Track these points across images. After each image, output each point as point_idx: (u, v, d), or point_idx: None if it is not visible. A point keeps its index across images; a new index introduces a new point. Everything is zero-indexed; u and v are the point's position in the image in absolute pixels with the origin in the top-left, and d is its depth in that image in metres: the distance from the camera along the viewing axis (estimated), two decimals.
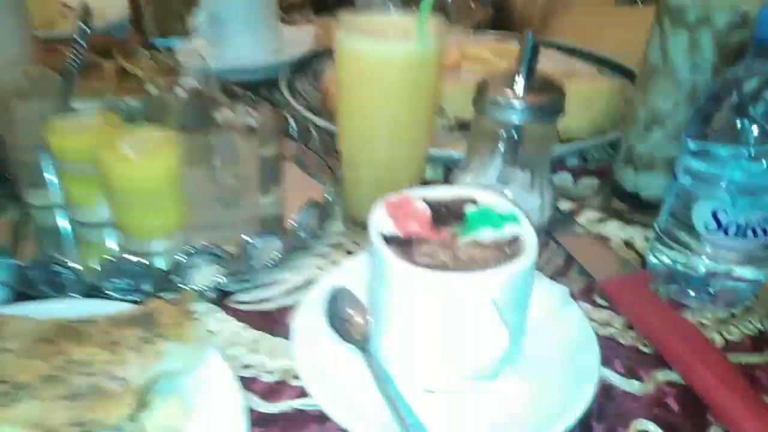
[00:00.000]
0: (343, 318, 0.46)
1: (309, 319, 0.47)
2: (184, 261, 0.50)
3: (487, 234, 0.41)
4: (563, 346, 0.44)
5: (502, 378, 0.41)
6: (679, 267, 0.52)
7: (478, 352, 0.36)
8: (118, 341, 0.40)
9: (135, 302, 0.47)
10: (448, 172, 0.73)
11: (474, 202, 0.44)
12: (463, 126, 0.81)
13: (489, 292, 0.37)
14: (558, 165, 0.72)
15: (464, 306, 0.36)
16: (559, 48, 0.92)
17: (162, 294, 0.51)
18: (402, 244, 0.40)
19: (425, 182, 0.69)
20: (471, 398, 0.41)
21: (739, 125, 0.46)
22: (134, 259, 0.50)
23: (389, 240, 0.40)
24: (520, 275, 0.38)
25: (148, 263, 0.50)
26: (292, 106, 0.82)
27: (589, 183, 0.70)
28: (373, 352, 0.43)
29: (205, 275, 0.52)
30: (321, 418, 0.42)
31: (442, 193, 0.45)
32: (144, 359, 0.39)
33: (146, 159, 0.50)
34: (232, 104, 0.61)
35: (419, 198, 0.44)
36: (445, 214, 0.43)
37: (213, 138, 0.54)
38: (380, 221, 0.41)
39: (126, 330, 0.41)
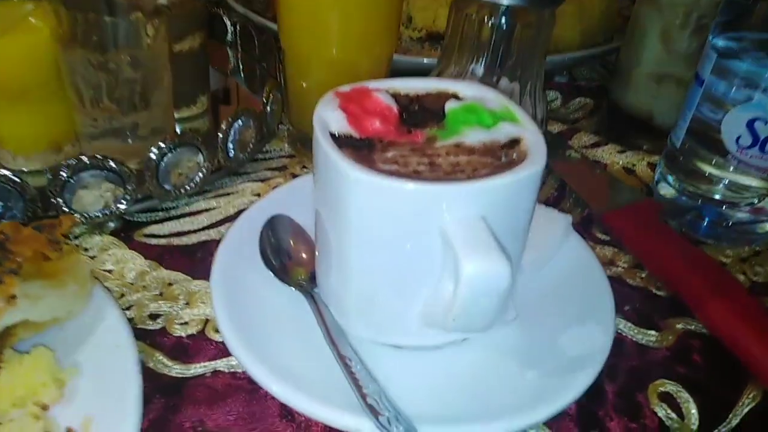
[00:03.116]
0: (281, 253, 0.35)
1: (236, 254, 0.35)
2: (65, 177, 0.37)
3: (475, 135, 0.30)
4: (566, 286, 0.35)
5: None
6: (694, 195, 0.43)
7: (466, 295, 0.26)
8: None
9: None
10: None
11: (456, 96, 0.33)
12: (434, 38, 0.69)
13: (478, 209, 0.26)
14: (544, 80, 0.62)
15: (446, 227, 0.26)
16: None
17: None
18: (359, 148, 0.29)
19: None
20: (451, 356, 0.31)
21: None
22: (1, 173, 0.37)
23: (341, 141, 0.29)
24: (522, 188, 0.27)
25: (19, 180, 0.37)
26: (228, 4, 0.67)
27: (581, 104, 0.60)
28: (320, 296, 0.33)
29: (101, 199, 0.39)
30: (250, 385, 0.31)
31: (414, 85, 0.34)
32: None
33: (4, 38, 0.36)
34: None
35: (383, 91, 0.33)
36: (419, 112, 0.32)
37: (105, 16, 0.40)
38: (329, 117, 0.30)
39: None
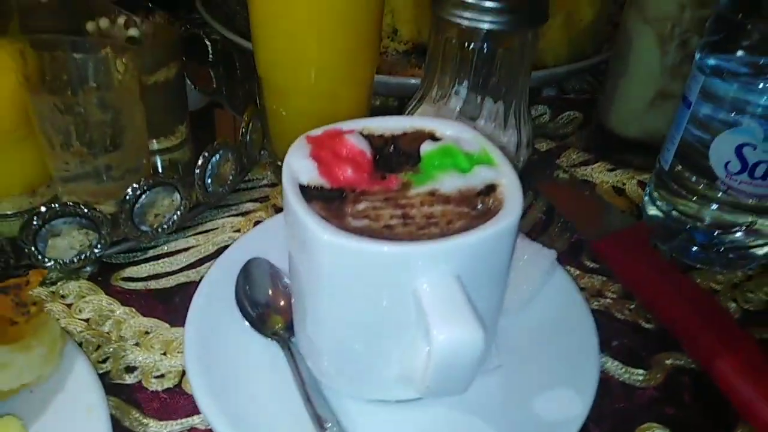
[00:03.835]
0: (258, 301, 0.34)
1: (212, 303, 0.34)
2: (36, 226, 0.36)
3: (450, 181, 0.29)
4: (550, 329, 0.34)
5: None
6: (684, 218, 0.41)
7: (438, 365, 0.25)
8: None
9: None
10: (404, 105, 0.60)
11: (433, 136, 0.32)
12: (421, 50, 0.68)
13: (452, 268, 0.25)
14: (531, 96, 0.60)
15: (419, 289, 0.25)
16: None
17: (20, 270, 0.38)
18: (330, 200, 0.28)
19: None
20: (431, 410, 0.30)
21: None
22: None
23: (311, 193, 0.28)
24: (496, 242, 0.26)
25: None
26: (210, 25, 0.66)
27: (570, 117, 0.59)
28: (297, 346, 0.32)
29: (76, 245, 0.38)
30: None
31: (389, 124, 0.33)
32: None
33: None
34: (112, 10, 0.46)
35: (357, 132, 0.32)
36: (393, 154, 0.31)
37: (77, 55, 0.39)
38: (298, 165, 0.29)
39: None
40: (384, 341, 0.27)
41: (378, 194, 0.28)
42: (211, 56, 0.62)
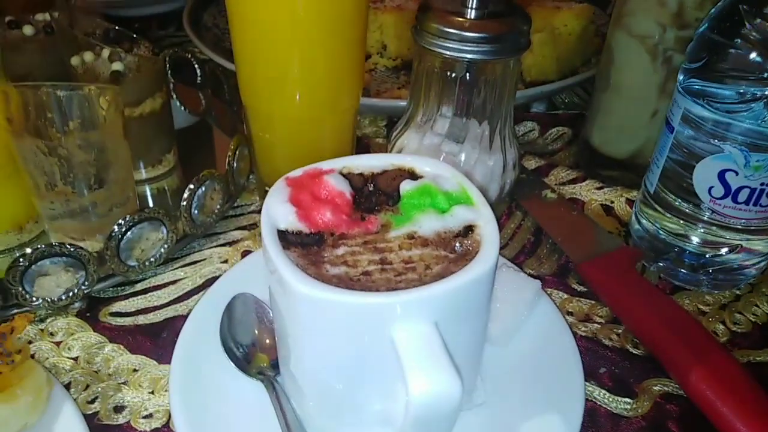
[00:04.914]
0: (243, 340, 0.34)
1: (197, 342, 0.34)
2: (23, 267, 0.36)
3: (429, 222, 0.29)
4: (535, 362, 0.34)
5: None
6: (671, 240, 0.41)
7: (416, 416, 0.25)
8: None
9: None
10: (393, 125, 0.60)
11: (413, 174, 0.32)
12: (410, 66, 0.67)
13: (429, 316, 0.25)
14: (520, 113, 0.60)
15: (396, 338, 0.25)
16: None
17: (8, 311, 0.38)
18: (308, 245, 0.28)
19: (361, 142, 0.56)
20: None
21: (754, 56, 0.35)
22: None
23: (289, 239, 0.28)
24: (474, 288, 0.26)
25: None
26: (197, 47, 0.66)
27: (558, 134, 0.59)
28: (282, 385, 0.32)
29: (63, 284, 0.39)
30: None
31: (369, 162, 0.33)
32: None
33: None
34: (96, 45, 0.46)
35: (336, 172, 0.32)
36: (373, 194, 0.31)
37: (61, 93, 0.39)
38: (278, 212, 0.29)
39: None
40: (365, 385, 0.28)
41: (357, 237, 0.29)
42: (199, 78, 0.62)
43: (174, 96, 0.62)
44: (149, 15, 0.86)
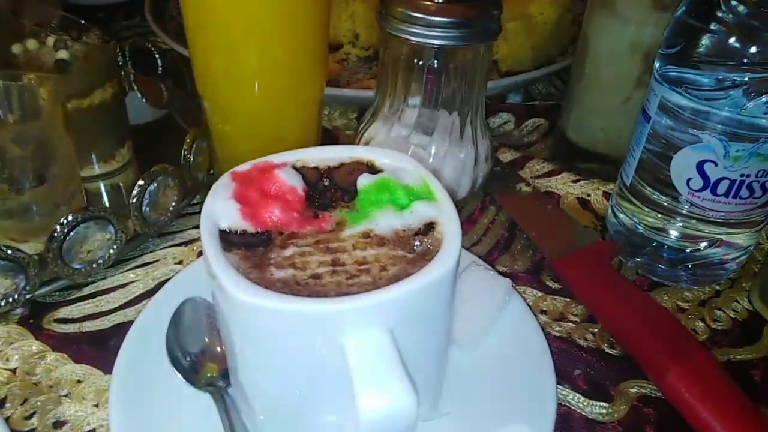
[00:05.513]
0: (191, 348, 0.32)
1: (142, 351, 0.32)
2: None
3: (387, 220, 0.27)
4: (504, 366, 0.32)
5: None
6: (649, 234, 0.40)
7: (370, 422, 0.22)
8: None
9: None
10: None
11: (372, 167, 0.30)
12: None
13: (383, 323, 0.23)
14: (495, 104, 0.58)
15: (346, 349, 0.22)
16: None
17: None
18: (252, 246, 0.25)
19: (330, 135, 0.54)
20: None
21: (733, 42, 0.33)
22: None
23: (232, 240, 0.25)
24: (433, 291, 0.24)
25: None
26: (159, 36, 0.63)
27: (534, 125, 0.57)
28: (234, 398, 0.30)
29: (3, 285, 0.36)
30: None
31: (326, 155, 0.30)
32: None
33: None
34: (41, 32, 0.43)
35: (289, 165, 0.29)
36: (329, 189, 0.29)
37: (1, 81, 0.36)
38: (219, 208, 0.26)
39: None
40: (316, 397, 0.25)
41: (308, 237, 0.26)
42: (160, 69, 0.59)
43: (135, 88, 0.59)
44: (114, 4, 0.83)
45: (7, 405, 0.33)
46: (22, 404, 0.33)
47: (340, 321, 0.22)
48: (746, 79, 0.32)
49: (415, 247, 0.26)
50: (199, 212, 0.46)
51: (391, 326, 0.23)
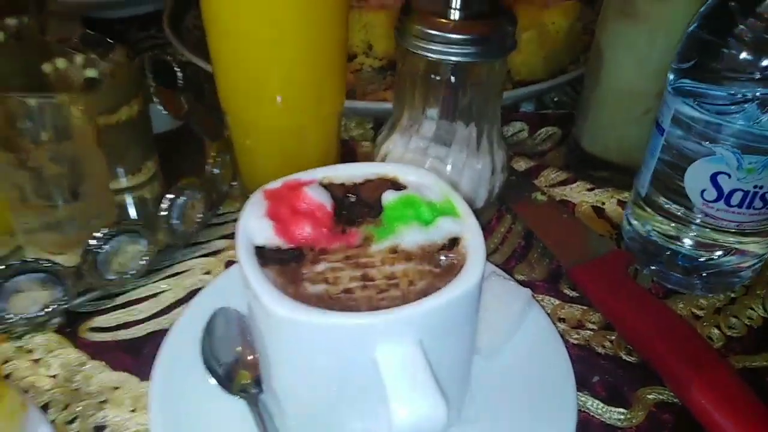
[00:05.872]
0: (225, 356, 0.33)
1: (178, 358, 0.33)
2: None
3: (412, 235, 0.28)
4: (525, 374, 0.33)
5: None
6: (664, 242, 0.41)
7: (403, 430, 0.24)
8: None
9: None
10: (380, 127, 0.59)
11: (396, 183, 0.31)
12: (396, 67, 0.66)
13: (413, 335, 0.24)
14: (508, 113, 0.59)
15: (379, 359, 0.24)
16: None
17: None
18: (286, 262, 0.27)
19: (347, 146, 0.55)
20: None
21: (745, 56, 0.34)
22: None
23: (267, 256, 0.27)
24: (460, 304, 0.25)
25: None
26: (178, 50, 0.65)
27: (548, 134, 0.58)
28: (267, 404, 0.31)
29: (40, 299, 0.37)
30: None
31: (351, 172, 0.32)
32: None
33: None
34: (69, 50, 0.44)
35: (317, 183, 0.31)
36: (355, 205, 0.30)
37: (31, 101, 0.37)
38: (254, 227, 0.28)
39: None
40: (347, 404, 0.27)
41: (338, 252, 0.27)
42: (180, 82, 0.60)
43: (155, 100, 0.61)
44: (130, 16, 0.85)
45: (51, 410, 0.34)
46: (64, 409, 0.35)
47: (373, 334, 0.24)
48: (759, 93, 0.33)
49: (440, 262, 0.27)
50: (224, 223, 0.48)
51: (421, 338, 0.24)
